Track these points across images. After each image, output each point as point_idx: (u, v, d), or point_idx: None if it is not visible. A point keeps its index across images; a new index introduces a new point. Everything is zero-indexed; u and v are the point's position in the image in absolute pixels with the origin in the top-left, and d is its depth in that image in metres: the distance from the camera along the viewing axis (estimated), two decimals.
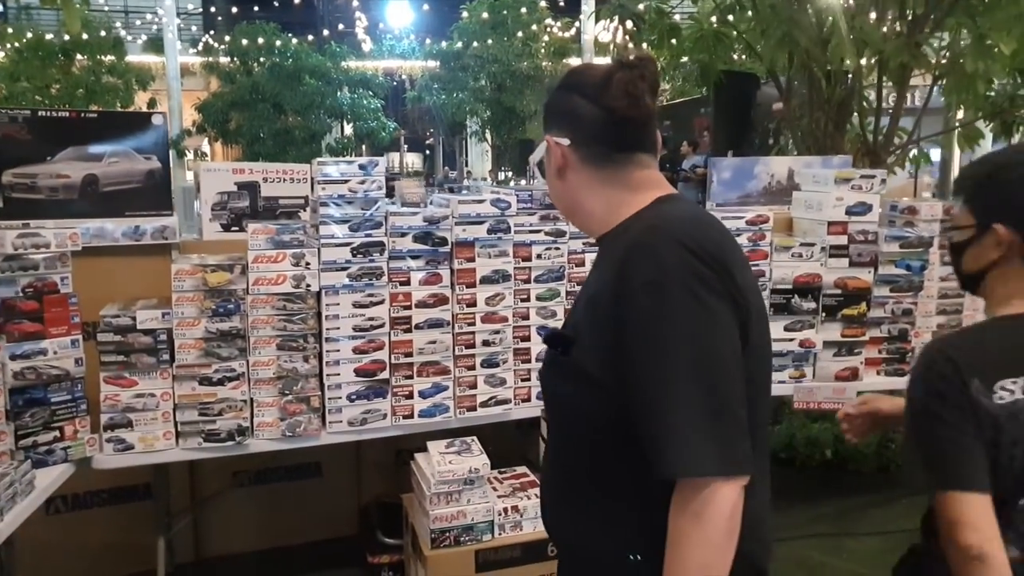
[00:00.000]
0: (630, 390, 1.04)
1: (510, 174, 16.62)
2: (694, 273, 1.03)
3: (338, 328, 2.58)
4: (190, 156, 15.41)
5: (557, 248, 2.78)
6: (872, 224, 3.01)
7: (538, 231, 2.76)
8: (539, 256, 2.77)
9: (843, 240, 3.00)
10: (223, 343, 2.46)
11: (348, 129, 16.29)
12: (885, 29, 4.09)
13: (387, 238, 2.61)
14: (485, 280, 2.70)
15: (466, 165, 23.02)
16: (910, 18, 3.91)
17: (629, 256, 1.07)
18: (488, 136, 16.84)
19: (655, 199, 1.18)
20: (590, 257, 2.85)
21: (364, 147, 15.72)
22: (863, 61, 3.98)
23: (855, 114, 4.47)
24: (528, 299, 2.78)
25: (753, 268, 2.95)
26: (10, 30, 14.17)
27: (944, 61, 4.06)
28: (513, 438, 3.22)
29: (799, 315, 3.02)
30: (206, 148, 17.03)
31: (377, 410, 2.65)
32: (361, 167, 2.56)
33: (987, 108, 4.38)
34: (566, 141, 1.20)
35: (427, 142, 26.82)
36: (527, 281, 2.78)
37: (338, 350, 2.59)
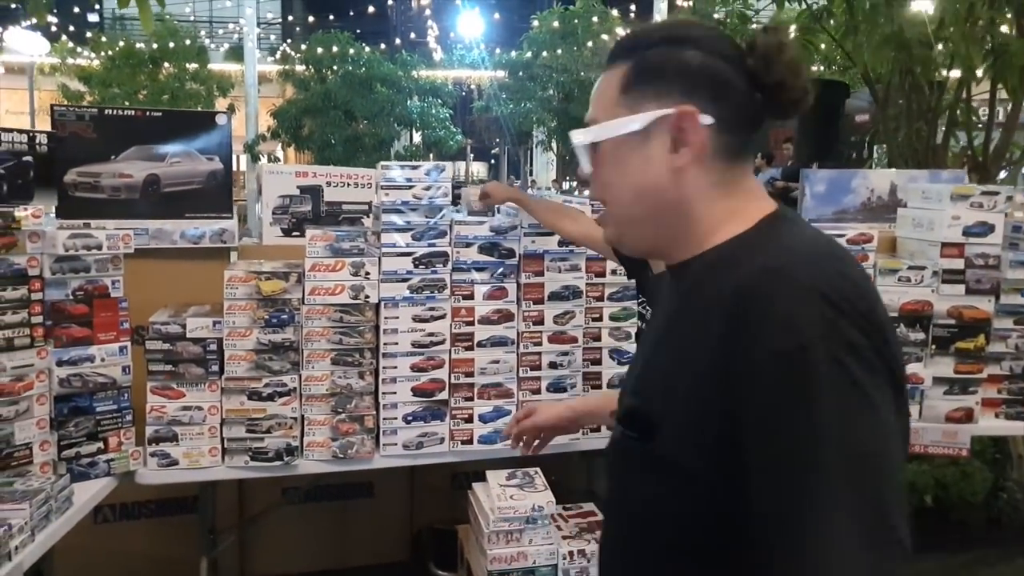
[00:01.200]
0: (749, 500, 0.75)
1: (575, 184, 16.41)
2: (844, 342, 0.73)
3: (396, 344, 2.41)
4: (264, 160, 15.77)
5: None
6: (994, 247, 2.66)
7: None
8: (614, 272, 2.53)
9: (959, 264, 2.66)
10: (275, 356, 2.31)
11: (416, 137, 16.40)
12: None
13: (451, 248, 2.43)
14: (554, 296, 2.49)
15: (530, 174, 22.94)
16: None
17: (746, 311, 0.77)
18: (553, 146, 16.67)
19: (766, 217, 0.88)
20: None
21: (432, 155, 15.81)
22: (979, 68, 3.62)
23: (961, 125, 4.10)
24: (600, 318, 2.55)
25: None
26: (104, 39, 14.86)
27: None
28: (578, 469, 2.99)
29: (905, 346, 2.68)
30: (279, 153, 17.41)
31: (434, 433, 2.46)
32: (427, 172, 2.39)
33: None
34: (709, 119, 0.87)
35: (493, 151, 26.91)
36: (600, 299, 2.55)
37: (395, 367, 2.42)
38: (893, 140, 4.45)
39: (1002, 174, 4.34)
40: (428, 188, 2.39)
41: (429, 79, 15.67)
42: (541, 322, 2.48)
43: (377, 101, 14.60)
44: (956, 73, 4.05)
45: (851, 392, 0.73)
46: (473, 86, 18.19)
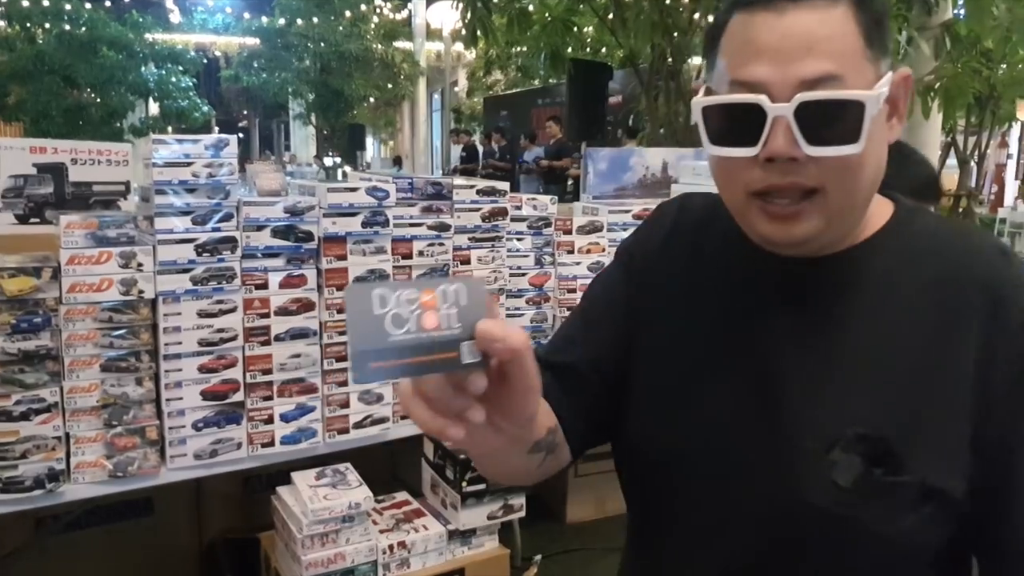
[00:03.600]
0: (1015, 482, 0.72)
1: (339, 160, 15.89)
2: None
3: (179, 343, 2.13)
4: None
5: (441, 244, 2.48)
6: None
7: (420, 224, 2.45)
8: (421, 253, 2.45)
9: None
10: (28, 367, 1.93)
11: (154, 108, 14.85)
12: None
13: (240, 232, 2.19)
14: (359, 281, 2.35)
15: (287, 149, 21.86)
16: None
17: (1006, 298, 0.72)
18: (313, 119, 15.98)
19: (897, 202, 0.82)
20: (477, 254, 2.58)
21: (171, 128, 14.41)
22: None
23: None
24: None
25: None
26: None
27: None
28: (383, 459, 2.88)
29: None
30: None
31: (229, 439, 2.23)
32: (208, 147, 2.12)
33: None
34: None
35: (240, 124, 25.28)
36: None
37: (180, 369, 2.14)
38: (658, 120, 4.81)
39: None
40: (210, 165, 2.12)
41: (167, 43, 14.19)
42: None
43: (104, 67, 12.94)
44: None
45: None
46: (219, 53, 16.78)
